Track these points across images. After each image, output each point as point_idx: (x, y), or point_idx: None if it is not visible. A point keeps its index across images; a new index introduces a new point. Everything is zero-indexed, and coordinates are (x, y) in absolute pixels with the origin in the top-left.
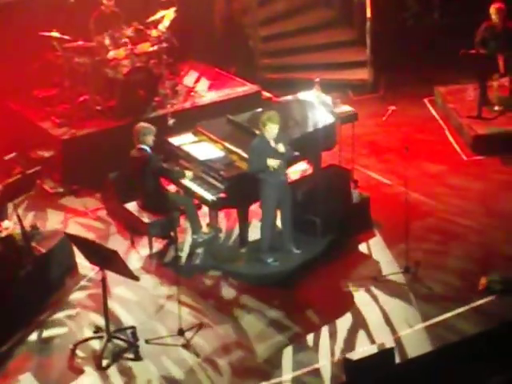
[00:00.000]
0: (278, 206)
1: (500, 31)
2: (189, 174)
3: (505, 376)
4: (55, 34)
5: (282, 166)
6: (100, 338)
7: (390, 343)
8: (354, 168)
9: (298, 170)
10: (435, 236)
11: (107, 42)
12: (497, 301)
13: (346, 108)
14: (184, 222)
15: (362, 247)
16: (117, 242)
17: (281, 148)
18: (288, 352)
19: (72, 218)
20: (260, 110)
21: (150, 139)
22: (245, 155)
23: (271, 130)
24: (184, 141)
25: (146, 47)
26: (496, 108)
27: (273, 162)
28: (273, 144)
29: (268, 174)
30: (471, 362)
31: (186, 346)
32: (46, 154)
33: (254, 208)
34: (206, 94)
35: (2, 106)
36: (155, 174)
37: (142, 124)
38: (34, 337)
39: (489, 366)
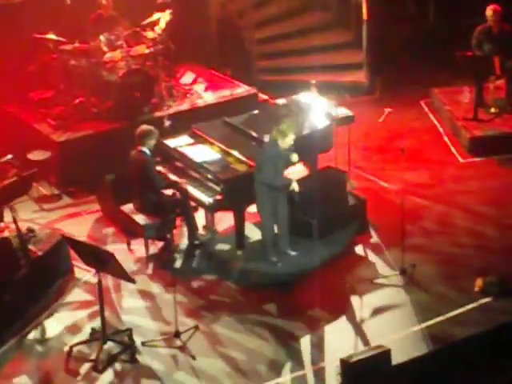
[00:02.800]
0: (275, 208)
1: (496, 33)
2: (184, 182)
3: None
4: (51, 36)
5: (281, 169)
6: (96, 340)
7: (386, 345)
8: (351, 170)
9: (295, 172)
10: (431, 238)
11: (103, 44)
12: (493, 303)
13: (343, 110)
14: (180, 224)
15: (359, 249)
16: (113, 245)
17: (295, 158)
18: (284, 354)
19: (68, 221)
20: (256, 111)
21: (153, 143)
22: (241, 157)
23: (290, 140)
24: (180, 143)
25: (142, 49)
26: (492, 110)
27: (296, 186)
28: (282, 151)
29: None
30: (468, 364)
31: (182, 348)
32: (42, 157)
33: (251, 210)
34: (202, 95)
35: None
36: (150, 177)
37: (148, 127)
38: (30, 339)
39: (486, 367)
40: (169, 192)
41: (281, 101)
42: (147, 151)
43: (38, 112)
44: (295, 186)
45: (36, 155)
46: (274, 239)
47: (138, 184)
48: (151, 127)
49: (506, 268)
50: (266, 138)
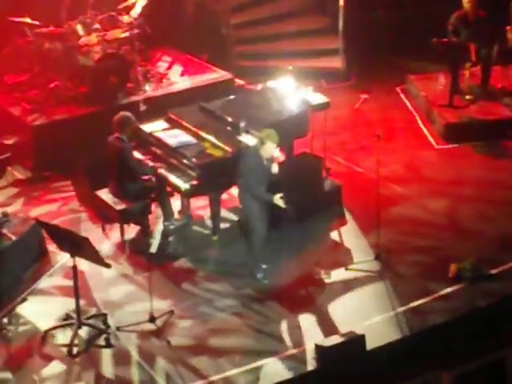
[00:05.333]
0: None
1: (472, 20)
2: (162, 167)
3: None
4: (26, 19)
5: (264, 180)
6: (71, 325)
7: (361, 330)
8: (326, 156)
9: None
10: (406, 224)
11: (79, 28)
12: (467, 288)
13: (319, 96)
14: (156, 209)
15: (334, 235)
16: (88, 229)
17: (275, 168)
18: (259, 339)
19: (43, 205)
20: (232, 97)
21: (130, 130)
22: (217, 142)
23: (269, 149)
24: (156, 128)
25: (117, 33)
26: (467, 97)
27: (279, 202)
28: (265, 162)
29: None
30: (442, 349)
31: (157, 333)
32: (17, 141)
33: (226, 196)
34: (178, 80)
35: None
36: (128, 165)
37: (126, 114)
38: (4, 324)
39: (461, 352)
40: (144, 177)
41: (257, 86)
42: (125, 138)
43: (12, 96)
44: (279, 202)
45: (10, 139)
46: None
47: (115, 171)
48: (129, 114)
49: (480, 254)
50: (242, 123)
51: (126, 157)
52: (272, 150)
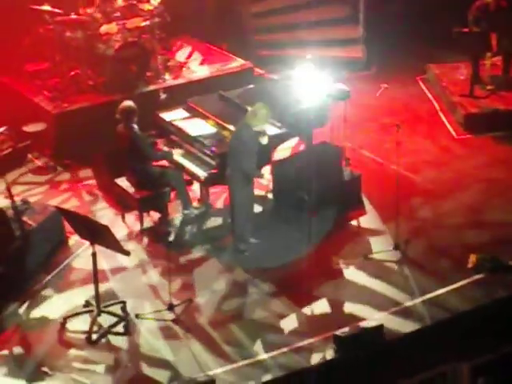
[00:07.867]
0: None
1: (493, 10)
2: (177, 152)
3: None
4: (47, 7)
5: (255, 156)
6: (90, 312)
7: (379, 320)
8: (346, 146)
9: (289, 147)
10: (425, 214)
11: (99, 16)
12: (486, 279)
13: (339, 85)
14: (175, 198)
15: (353, 224)
16: (108, 217)
17: (264, 140)
18: (278, 328)
19: (63, 193)
20: (252, 86)
21: (135, 118)
22: None
23: (260, 122)
24: (175, 116)
25: (138, 22)
26: (488, 87)
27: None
28: (256, 136)
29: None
30: (459, 340)
31: (176, 320)
32: (38, 128)
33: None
34: (198, 69)
35: None
36: (142, 152)
37: (129, 103)
38: (24, 311)
39: (479, 343)
40: (160, 162)
41: (277, 75)
42: (135, 126)
43: (33, 84)
44: (264, 140)
45: (31, 127)
46: (245, 226)
47: (131, 159)
48: (131, 102)
49: (500, 244)
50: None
51: (139, 144)
52: (263, 123)
